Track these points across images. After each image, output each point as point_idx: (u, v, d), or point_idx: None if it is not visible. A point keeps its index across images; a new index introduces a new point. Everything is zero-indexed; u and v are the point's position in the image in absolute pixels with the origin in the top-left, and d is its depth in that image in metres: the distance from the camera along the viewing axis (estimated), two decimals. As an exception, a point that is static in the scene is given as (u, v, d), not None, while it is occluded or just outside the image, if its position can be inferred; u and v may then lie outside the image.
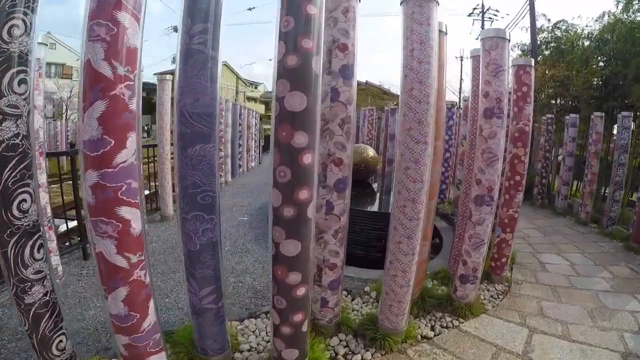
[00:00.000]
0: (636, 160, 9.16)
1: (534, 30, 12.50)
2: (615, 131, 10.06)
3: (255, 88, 41.31)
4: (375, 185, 8.56)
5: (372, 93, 20.42)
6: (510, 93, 4.57)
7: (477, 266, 4.01)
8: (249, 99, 39.11)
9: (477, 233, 3.90)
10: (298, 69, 2.25)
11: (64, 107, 26.38)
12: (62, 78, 33.14)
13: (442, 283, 4.87)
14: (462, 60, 30.65)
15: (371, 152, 7.52)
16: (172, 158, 7.27)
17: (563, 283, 5.26)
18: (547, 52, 12.61)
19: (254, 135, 14.74)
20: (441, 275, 5.01)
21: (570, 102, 10.68)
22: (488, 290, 4.83)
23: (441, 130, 4.01)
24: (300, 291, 2.60)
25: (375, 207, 6.75)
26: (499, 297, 4.69)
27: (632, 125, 7.75)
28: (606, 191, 9.56)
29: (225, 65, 36.54)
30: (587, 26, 12.27)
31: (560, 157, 10.29)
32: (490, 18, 19.01)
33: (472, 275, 4.03)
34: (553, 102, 11.48)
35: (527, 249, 6.71)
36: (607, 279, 5.49)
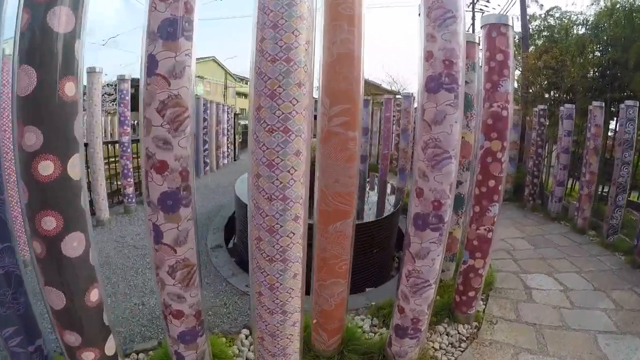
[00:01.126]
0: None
1: (525, 17, 10.88)
2: (613, 125, 8.69)
3: (246, 84, 39.69)
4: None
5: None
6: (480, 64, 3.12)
7: (420, 316, 2.53)
8: (239, 94, 37.41)
9: (418, 270, 2.39)
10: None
11: None
12: None
13: (385, 323, 3.40)
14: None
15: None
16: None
17: (552, 320, 3.82)
18: (539, 42, 10.97)
19: (225, 131, 13.26)
20: (387, 311, 3.51)
21: (565, 95, 9.07)
22: (447, 335, 3.43)
23: (357, 117, 2.49)
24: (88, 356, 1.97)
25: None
26: (460, 346, 3.28)
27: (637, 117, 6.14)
28: (604, 190, 8.03)
29: (214, 60, 34.85)
30: (581, 13, 10.66)
31: (554, 154, 8.67)
32: (481, 10, 17.24)
33: (412, 328, 2.59)
34: (547, 95, 9.85)
35: (511, 266, 5.17)
36: (609, 311, 4.05)
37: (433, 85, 2.23)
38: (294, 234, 1.96)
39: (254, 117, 1.89)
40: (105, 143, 8.00)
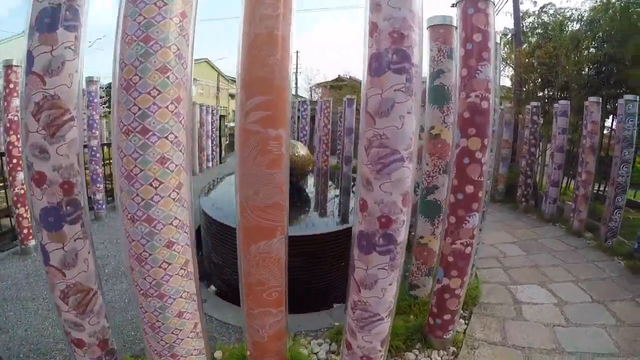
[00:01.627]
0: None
1: (518, 13, 10.23)
2: (609, 123, 8.31)
3: None
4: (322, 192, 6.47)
5: (353, 87, 18.21)
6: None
7: (372, 354, 1.98)
8: (232, 95, 36.66)
9: (365, 302, 1.83)
10: None
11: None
12: None
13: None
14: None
15: (301, 149, 5.41)
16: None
17: (544, 341, 3.26)
18: (532, 40, 10.34)
19: (210, 133, 12.68)
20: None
21: (559, 93, 8.46)
22: (420, 366, 2.80)
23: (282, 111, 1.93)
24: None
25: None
26: (433, 381, 2.69)
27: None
28: (600, 189, 7.49)
29: (206, 62, 34.07)
30: (576, 9, 10.07)
31: (548, 153, 8.07)
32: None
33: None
34: (540, 93, 9.23)
35: (500, 277, 4.59)
36: (609, 327, 3.51)
37: (377, 65, 1.66)
38: (169, 263, 1.43)
39: (114, 116, 1.35)
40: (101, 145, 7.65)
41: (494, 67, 2.68)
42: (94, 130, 6.67)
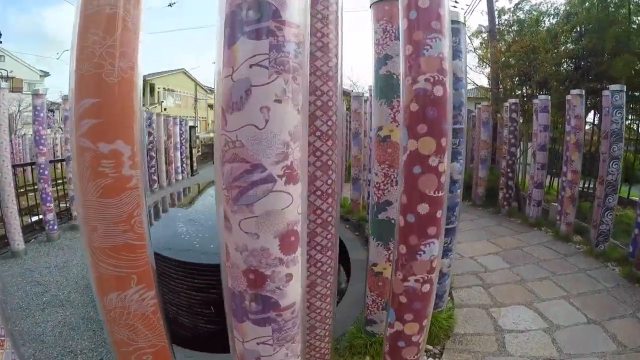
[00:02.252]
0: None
1: (492, 8, 9.61)
2: (590, 118, 7.80)
3: None
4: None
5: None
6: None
7: None
8: (210, 106, 35.57)
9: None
10: None
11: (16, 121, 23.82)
12: (12, 91, 30.47)
13: None
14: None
15: None
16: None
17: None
18: (508, 38, 9.70)
19: (178, 145, 11.89)
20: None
21: (538, 91, 7.79)
22: None
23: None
24: None
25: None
26: None
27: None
28: (586, 186, 6.83)
29: (183, 72, 33.08)
30: (552, 4, 9.45)
31: (530, 152, 7.40)
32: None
33: None
34: (518, 92, 8.57)
35: (480, 297, 3.88)
36: (609, 356, 2.87)
37: (229, 30, 0.95)
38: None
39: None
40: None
41: (454, 44, 1.99)
42: (41, 147, 6.04)
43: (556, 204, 6.15)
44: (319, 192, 1.94)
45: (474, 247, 5.34)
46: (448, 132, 1.87)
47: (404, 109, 1.89)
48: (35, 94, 6.08)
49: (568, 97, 5.83)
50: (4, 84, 5.40)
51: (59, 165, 8.63)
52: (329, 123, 1.93)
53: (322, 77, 1.88)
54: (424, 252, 1.88)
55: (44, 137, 6.10)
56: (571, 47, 8.40)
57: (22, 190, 7.34)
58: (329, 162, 1.94)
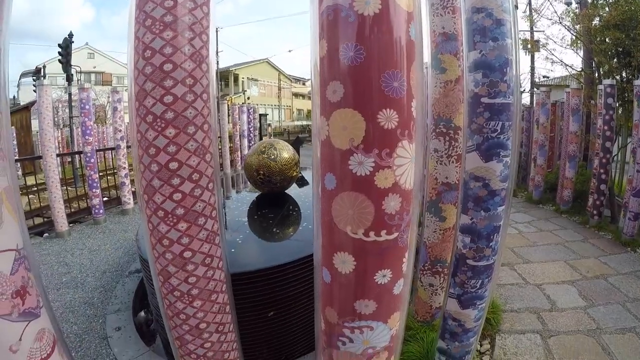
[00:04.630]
0: None
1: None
2: None
3: (304, 84, 37.19)
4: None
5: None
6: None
7: None
8: (296, 95, 35.28)
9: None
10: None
11: (106, 112, 25.78)
12: (102, 85, 33.37)
13: None
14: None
15: (285, 152, 3.96)
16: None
17: None
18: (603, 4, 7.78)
19: (245, 133, 11.56)
20: None
21: (638, 74, 6.06)
22: None
23: None
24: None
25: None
26: None
27: None
28: None
29: (267, 62, 33.06)
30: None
31: (629, 148, 5.85)
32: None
33: None
34: (617, 76, 6.79)
35: (533, 352, 2.93)
36: None
37: None
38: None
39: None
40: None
41: None
42: (87, 137, 6.52)
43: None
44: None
45: (545, 270, 4.24)
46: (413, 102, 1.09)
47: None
48: (82, 88, 6.37)
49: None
50: (45, 82, 5.60)
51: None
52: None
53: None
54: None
55: (90, 127, 6.53)
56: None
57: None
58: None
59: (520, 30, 11.68)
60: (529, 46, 10.69)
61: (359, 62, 1.03)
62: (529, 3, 10.71)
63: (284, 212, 3.82)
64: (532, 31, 10.91)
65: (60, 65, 12.02)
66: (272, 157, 3.81)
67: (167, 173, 1.48)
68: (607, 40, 6.47)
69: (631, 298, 3.64)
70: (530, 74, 11.50)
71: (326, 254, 1.19)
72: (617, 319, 3.30)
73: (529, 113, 8.61)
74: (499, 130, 1.95)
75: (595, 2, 7.29)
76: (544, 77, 11.66)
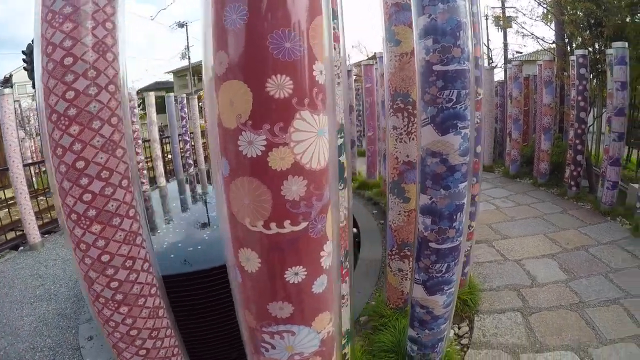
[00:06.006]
0: None
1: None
2: None
3: None
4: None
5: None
6: None
7: None
8: None
9: None
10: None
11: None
12: None
13: None
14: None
15: None
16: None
17: None
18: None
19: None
20: None
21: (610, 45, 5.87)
22: None
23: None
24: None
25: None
26: None
27: None
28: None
29: None
30: None
31: (604, 118, 5.70)
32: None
33: None
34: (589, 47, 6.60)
35: (514, 332, 2.77)
36: None
37: None
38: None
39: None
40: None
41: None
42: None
43: (637, 185, 4.58)
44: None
45: (524, 245, 4.08)
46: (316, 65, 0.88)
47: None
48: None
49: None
50: (7, 90, 5.28)
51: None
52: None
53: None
54: None
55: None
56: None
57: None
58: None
59: (492, 7, 11.52)
60: (501, 22, 10.52)
61: (243, 24, 0.82)
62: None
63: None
64: (503, 7, 10.73)
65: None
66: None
67: (75, 173, 1.33)
68: (578, 12, 6.31)
69: (613, 268, 3.49)
70: (503, 49, 11.36)
71: (233, 251, 0.98)
72: (600, 291, 3.15)
73: (502, 88, 8.45)
74: (454, 100, 1.76)
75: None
76: (517, 52, 11.52)
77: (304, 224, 0.93)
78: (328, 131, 0.94)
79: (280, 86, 0.84)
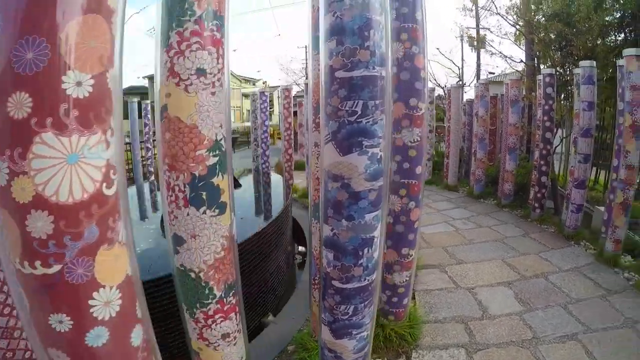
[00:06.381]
0: None
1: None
2: None
3: (254, 85, 35.43)
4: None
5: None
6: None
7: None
8: (246, 95, 33.51)
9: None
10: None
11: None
12: None
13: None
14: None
15: None
16: None
17: None
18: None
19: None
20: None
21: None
22: None
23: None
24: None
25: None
26: None
27: None
28: None
29: None
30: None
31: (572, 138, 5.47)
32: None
33: None
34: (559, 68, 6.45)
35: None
36: None
37: None
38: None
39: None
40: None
41: None
42: None
43: (602, 209, 4.32)
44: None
45: (479, 271, 3.72)
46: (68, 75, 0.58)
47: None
48: None
49: (620, 62, 4.00)
50: None
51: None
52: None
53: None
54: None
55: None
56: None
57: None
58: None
59: (468, 27, 11.44)
60: (475, 43, 10.41)
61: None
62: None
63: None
64: (478, 28, 10.64)
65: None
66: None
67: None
68: (551, 35, 6.16)
69: (574, 299, 3.15)
70: (476, 69, 11.25)
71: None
72: (557, 325, 2.79)
73: (471, 107, 8.23)
74: (358, 112, 1.41)
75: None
76: (489, 72, 11.45)
77: (57, 267, 0.74)
78: (99, 155, 0.75)
79: (18, 105, 0.68)
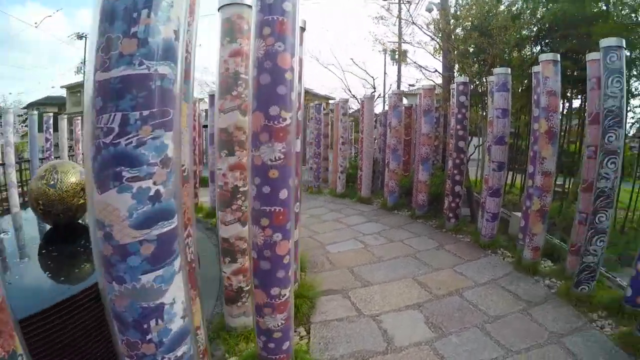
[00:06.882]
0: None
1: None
2: None
3: None
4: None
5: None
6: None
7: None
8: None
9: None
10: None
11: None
12: None
13: None
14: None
15: (72, 175, 2.70)
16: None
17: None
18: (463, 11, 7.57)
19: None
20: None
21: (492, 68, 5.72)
22: None
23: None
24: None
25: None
26: None
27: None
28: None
29: None
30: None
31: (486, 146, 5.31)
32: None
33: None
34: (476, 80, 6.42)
35: None
36: None
37: None
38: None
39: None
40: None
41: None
42: None
43: (519, 214, 4.06)
44: None
45: (387, 293, 3.16)
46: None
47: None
48: None
49: (536, 68, 3.83)
50: None
51: None
52: None
53: None
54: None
55: None
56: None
57: None
58: None
59: (389, 41, 11.38)
60: (397, 56, 10.36)
61: None
62: (399, 14, 10.34)
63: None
64: (400, 42, 10.60)
65: None
66: (52, 183, 2.64)
67: None
68: (469, 48, 6.08)
69: (492, 317, 2.72)
70: (397, 81, 11.27)
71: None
72: (474, 351, 2.32)
73: (385, 117, 7.97)
74: (116, 131, 0.91)
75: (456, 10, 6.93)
76: (410, 85, 11.52)
77: None
78: None
79: None
